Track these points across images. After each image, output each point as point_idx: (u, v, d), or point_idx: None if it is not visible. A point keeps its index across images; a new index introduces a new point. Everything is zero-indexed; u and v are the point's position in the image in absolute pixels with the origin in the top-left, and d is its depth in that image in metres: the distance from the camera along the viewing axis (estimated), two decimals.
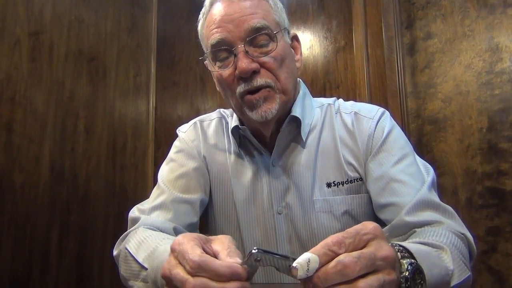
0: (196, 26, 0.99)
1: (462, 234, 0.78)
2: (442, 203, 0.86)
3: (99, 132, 2.32)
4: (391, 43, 2.05)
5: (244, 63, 0.86)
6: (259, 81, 0.88)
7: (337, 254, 0.46)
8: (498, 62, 1.85)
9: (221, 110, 1.10)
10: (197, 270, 0.50)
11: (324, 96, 2.14)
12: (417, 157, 0.97)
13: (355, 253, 0.45)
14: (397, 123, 1.82)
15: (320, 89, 2.16)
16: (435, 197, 0.86)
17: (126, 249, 0.82)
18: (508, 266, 1.74)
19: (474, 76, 1.89)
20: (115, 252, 0.91)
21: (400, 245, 0.58)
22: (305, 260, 0.46)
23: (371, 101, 2.04)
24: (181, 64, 2.70)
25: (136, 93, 2.59)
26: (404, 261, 0.54)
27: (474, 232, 1.78)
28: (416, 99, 2.01)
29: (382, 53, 2.06)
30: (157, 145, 2.65)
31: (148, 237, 0.80)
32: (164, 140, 2.64)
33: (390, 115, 1.00)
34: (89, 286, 2.14)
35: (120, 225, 2.33)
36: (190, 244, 0.53)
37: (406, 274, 0.53)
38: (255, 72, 0.87)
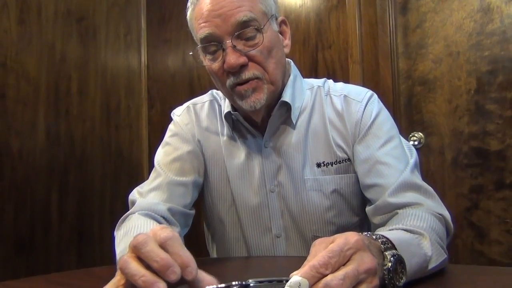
0: None
1: (440, 214, 0.85)
2: (423, 184, 0.92)
3: (92, 93, 2.33)
4: (384, 2, 2.04)
5: (232, 59, 0.89)
6: (247, 74, 0.91)
7: (325, 275, 0.51)
8: (489, 23, 1.85)
9: (214, 92, 1.12)
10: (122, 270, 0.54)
11: (316, 58, 2.15)
12: (402, 139, 1.01)
13: (340, 275, 0.51)
14: (388, 84, 1.85)
15: (312, 49, 2.17)
16: (417, 179, 0.92)
17: (116, 238, 0.89)
18: (488, 222, 1.84)
19: (465, 37, 1.90)
20: (115, 233, 0.96)
21: (384, 236, 0.64)
22: (296, 284, 0.51)
23: (362, 62, 2.06)
24: (172, 21, 2.66)
25: (127, 52, 2.57)
26: (387, 253, 0.61)
27: (458, 190, 1.87)
28: (407, 59, 2.03)
29: (375, 12, 2.05)
30: (150, 104, 2.67)
31: (132, 228, 0.85)
32: (158, 99, 2.65)
33: (378, 97, 1.04)
34: (90, 243, 2.24)
35: (116, 184, 2.40)
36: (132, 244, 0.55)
37: (389, 266, 0.59)
38: (243, 66, 0.91)
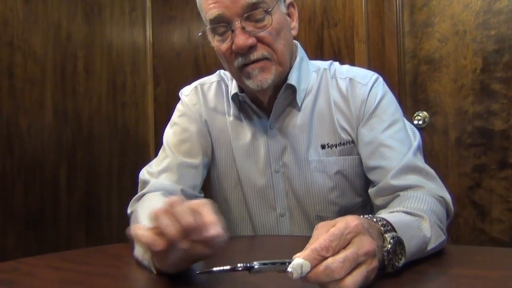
0: None
1: (441, 197, 0.87)
2: (425, 167, 0.94)
3: (98, 71, 2.35)
4: None
5: (241, 40, 0.90)
6: (256, 54, 0.92)
7: (326, 258, 0.54)
8: (497, 1, 1.84)
9: (221, 72, 1.13)
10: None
11: (322, 36, 2.14)
12: (406, 122, 1.03)
13: (340, 257, 0.53)
14: (393, 63, 1.85)
15: (317, 27, 2.16)
16: (419, 162, 0.94)
17: (137, 212, 0.91)
18: (490, 201, 1.86)
19: (472, 16, 1.89)
20: (129, 211, 1.00)
21: (384, 219, 0.67)
22: (298, 266, 0.53)
23: (368, 40, 2.05)
24: None
25: (132, 29, 2.57)
26: (387, 235, 0.63)
27: (461, 169, 1.89)
28: (413, 38, 2.02)
29: None
30: (156, 82, 2.68)
31: (156, 205, 0.87)
32: (163, 77, 2.66)
33: (384, 79, 1.05)
34: (98, 219, 2.29)
35: (123, 161, 2.43)
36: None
37: (389, 247, 0.62)
38: (252, 47, 0.92)
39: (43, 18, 2.04)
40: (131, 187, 2.47)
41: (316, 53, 2.13)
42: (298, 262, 0.54)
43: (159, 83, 2.67)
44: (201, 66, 2.52)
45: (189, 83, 1.17)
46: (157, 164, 1.06)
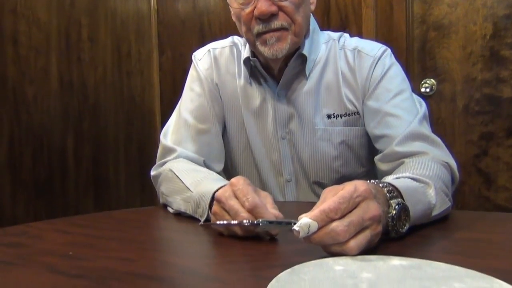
0: None
1: (446, 162, 0.87)
2: (431, 134, 0.94)
3: (103, 39, 2.33)
4: None
5: (264, 6, 0.91)
6: (276, 23, 0.93)
7: (333, 219, 0.55)
8: None
9: (235, 38, 1.14)
10: (252, 209, 0.65)
11: (328, 2, 2.10)
12: (414, 95, 1.03)
13: (346, 221, 0.54)
14: (401, 29, 1.83)
15: None
16: (425, 129, 0.94)
17: (173, 171, 0.94)
18: (497, 169, 1.86)
19: None
20: (153, 173, 1.03)
21: (391, 184, 0.67)
22: (306, 225, 0.54)
23: (376, 6, 2.01)
24: None
25: None
26: (393, 202, 0.64)
27: (468, 137, 1.88)
28: (422, 3, 1.98)
29: None
30: (161, 50, 2.66)
31: (195, 168, 0.94)
32: (168, 45, 2.63)
33: (391, 49, 1.06)
34: (106, 187, 2.31)
35: (130, 130, 2.44)
36: (249, 187, 0.69)
37: (393, 213, 0.63)
38: (273, 15, 0.93)
39: None
40: (137, 155, 2.49)
41: (323, 20, 2.10)
42: (306, 221, 0.54)
43: (164, 52, 2.65)
44: (206, 34, 2.49)
45: (194, 51, 1.17)
46: (176, 130, 1.07)
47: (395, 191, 0.66)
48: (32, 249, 0.66)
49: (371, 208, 0.57)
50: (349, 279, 0.49)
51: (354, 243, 0.54)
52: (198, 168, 0.96)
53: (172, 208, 0.92)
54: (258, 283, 0.49)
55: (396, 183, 0.69)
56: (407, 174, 0.78)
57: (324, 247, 0.56)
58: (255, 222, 0.61)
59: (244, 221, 0.62)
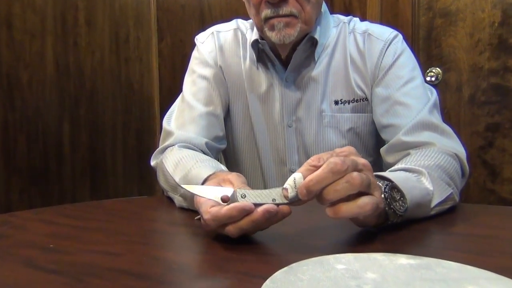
0: None
1: (455, 153, 0.82)
2: (441, 123, 0.89)
3: (101, 23, 2.27)
4: None
5: None
6: (285, 9, 0.89)
7: (318, 167, 0.52)
8: None
9: (239, 21, 1.09)
10: (212, 222, 0.57)
11: None
12: (423, 81, 0.99)
13: (339, 158, 0.52)
14: (407, 16, 1.78)
15: None
16: (434, 118, 0.89)
17: (164, 166, 0.89)
18: (502, 161, 1.81)
19: None
20: (153, 163, 0.99)
21: (378, 175, 0.64)
22: (291, 180, 0.53)
23: None
24: None
25: None
26: (380, 183, 0.60)
27: (473, 128, 1.83)
28: None
29: None
30: (160, 36, 2.60)
31: (184, 157, 0.87)
32: (168, 31, 2.57)
33: (403, 38, 1.01)
34: (103, 175, 2.28)
35: (128, 117, 2.39)
36: (209, 201, 0.60)
37: (385, 193, 0.59)
38: (283, 0, 0.88)
39: None
40: (135, 143, 2.45)
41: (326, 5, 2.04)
42: (291, 177, 0.53)
43: (163, 38, 2.59)
44: (206, 19, 2.43)
45: (194, 36, 1.12)
46: (179, 115, 1.03)
47: (385, 179, 0.63)
48: (11, 241, 0.62)
49: (360, 159, 0.54)
50: (351, 280, 0.44)
51: (362, 201, 0.52)
52: (187, 157, 0.88)
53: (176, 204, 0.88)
54: (252, 283, 0.44)
55: (387, 174, 0.66)
56: (401, 166, 0.74)
57: (329, 193, 0.52)
58: (240, 195, 0.57)
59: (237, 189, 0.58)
